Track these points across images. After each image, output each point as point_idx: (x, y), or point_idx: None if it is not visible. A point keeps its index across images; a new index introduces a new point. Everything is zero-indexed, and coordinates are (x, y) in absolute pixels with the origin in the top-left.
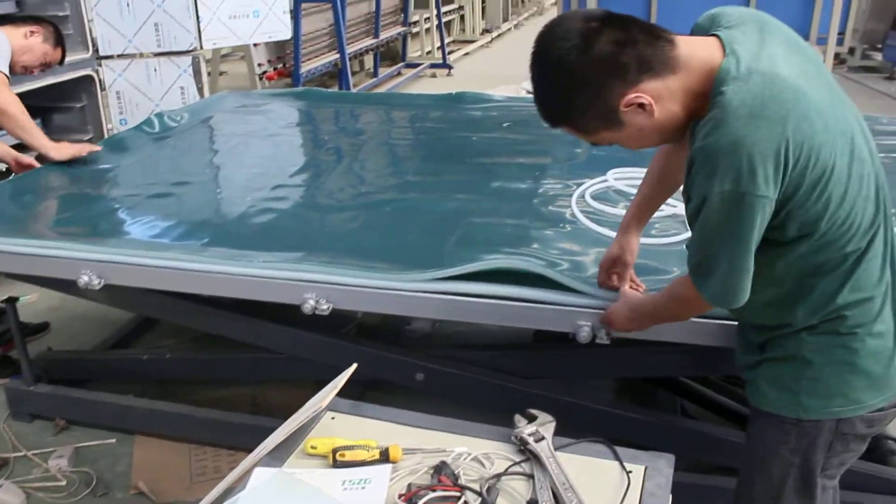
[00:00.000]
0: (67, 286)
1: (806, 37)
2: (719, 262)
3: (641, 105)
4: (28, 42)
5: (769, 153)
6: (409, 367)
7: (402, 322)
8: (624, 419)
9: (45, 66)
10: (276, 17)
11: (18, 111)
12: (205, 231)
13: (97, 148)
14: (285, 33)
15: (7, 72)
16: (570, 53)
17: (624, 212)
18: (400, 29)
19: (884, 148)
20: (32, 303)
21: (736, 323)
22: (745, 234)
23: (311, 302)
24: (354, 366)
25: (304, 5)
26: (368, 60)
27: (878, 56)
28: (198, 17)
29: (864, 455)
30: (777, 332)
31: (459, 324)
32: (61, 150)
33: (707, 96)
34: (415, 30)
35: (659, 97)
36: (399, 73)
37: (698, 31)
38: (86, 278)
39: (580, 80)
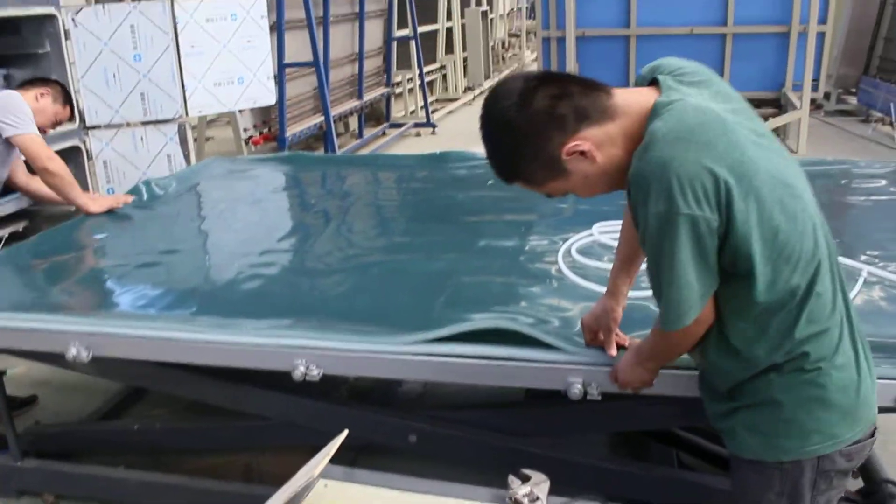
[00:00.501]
0: (55, 359)
1: (781, 84)
2: (664, 284)
3: (582, 152)
4: (39, 104)
5: (697, 173)
6: (402, 429)
7: (394, 383)
8: (619, 473)
9: (56, 125)
10: (261, 82)
11: (66, 172)
12: (193, 299)
13: (130, 198)
14: (270, 99)
15: (37, 132)
16: (510, 111)
17: (610, 265)
18: (383, 90)
19: (863, 191)
20: (21, 375)
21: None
22: (682, 252)
23: (302, 368)
24: (345, 432)
25: (287, 70)
26: (353, 122)
27: (853, 100)
28: (183, 86)
29: (863, 499)
30: (744, 376)
31: (451, 383)
32: (99, 204)
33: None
34: (398, 90)
35: (599, 143)
36: (384, 134)
37: (640, 81)
38: (74, 351)
39: (522, 134)
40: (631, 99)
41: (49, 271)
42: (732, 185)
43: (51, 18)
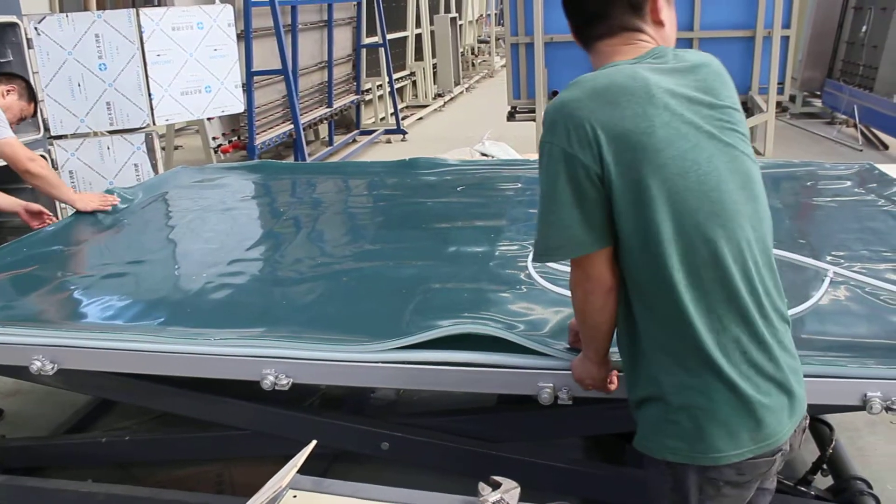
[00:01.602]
0: (19, 372)
1: (748, 87)
2: (540, 217)
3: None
4: (6, 101)
5: (582, 121)
6: (374, 436)
7: (366, 391)
8: (593, 476)
9: (21, 121)
10: (228, 91)
11: (49, 170)
12: (160, 310)
13: (117, 200)
14: (238, 107)
15: (13, 134)
16: None
17: None
18: (353, 97)
19: (829, 192)
20: None
21: None
22: (556, 186)
23: (271, 378)
24: (314, 443)
25: (256, 78)
26: (323, 129)
27: (818, 102)
28: (150, 95)
29: (833, 496)
30: (638, 362)
31: (424, 389)
32: (86, 202)
33: None
34: (368, 97)
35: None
36: (354, 141)
37: None
38: (38, 364)
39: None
40: (635, 47)
41: (13, 283)
42: (613, 151)
43: (12, 27)
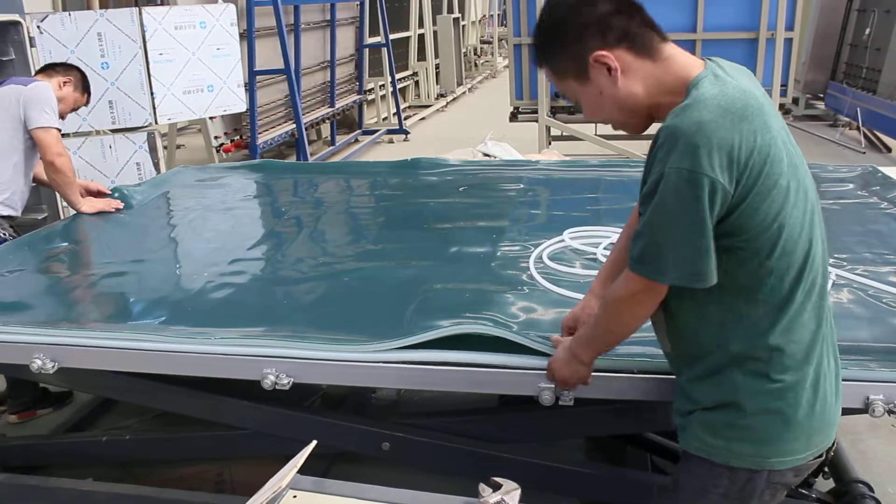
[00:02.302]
0: (20, 370)
1: None
2: (674, 241)
3: (609, 68)
4: (62, 92)
5: (727, 143)
6: (375, 437)
7: (368, 391)
8: (594, 478)
9: (74, 110)
10: (231, 90)
11: (70, 171)
12: (162, 309)
13: (121, 204)
14: (240, 106)
15: (59, 125)
16: (573, 3)
17: (581, 271)
18: (355, 97)
19: (832, 195)
20: None
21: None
22: (698, 213)
23: (272, 377)
24: (314, 443)
25: (258, 77)
26: (325, 129)
27: (821, 105)
28: (152, 94)
29: (834, 499)
30: (708, 367)
31: (425, 390)
32: (91, 205)
33: (675, 96)
34: (370, 97)
35: (627, 69)
36: (356, 141)
37: None
38: (39, 362)
39: (571, 24)
40: (678, 56)
41: (14, 281)
42: (755, 162)
43: (15, 25)
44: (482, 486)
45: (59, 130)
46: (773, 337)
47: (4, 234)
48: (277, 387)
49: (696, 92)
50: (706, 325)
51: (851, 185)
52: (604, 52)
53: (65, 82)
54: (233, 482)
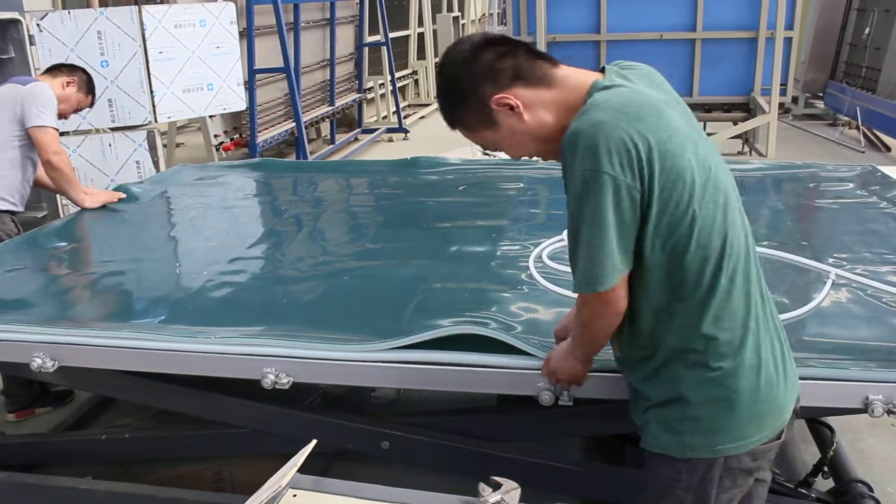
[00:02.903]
0: (20, 369)
1: (750, 88)
2: (582, 245)
3: (511, 107)
4: (65, 92)
5: (624, 140)
6: (374, 436)
7: (367, 390)
8: (593, 476)
9: (76, 111)
10: (231, 89)
11: (68, 168)
12: (162, 308)
13: (122, 195)
14: (240, 104)
15: (56, 125)
16: (458, 58)
17: None
18: (355, 95)
19: (831, 194)
20: None
21: None
22: (603, 213)
23: (271, 377)
24: (314, 442)
25: (258, 76)
26: (325, 128)
27: (820, 104)
28: (152, 92)
29: (834, 498)
30: (652, 366)
31: (425, 391)
32: (94, 199)
33: (579, 110)
34: (370, 96)
35: (529, 104)
36: (356, 139)
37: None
38: (39, 361)
39: (463, 80)
40: (574, 75)
41: (14, 279)
42: (655, 159)
43: (15, 23)
44: (482, 486)
45: (57, 130)
46: (705, 326)
47: (2, 233)
48: (277, 386)
49: (590, 99)
50: (642, 325)
51: (851, 185)
52: (500, 94)
53: (68, 82)
54: (232, 481)
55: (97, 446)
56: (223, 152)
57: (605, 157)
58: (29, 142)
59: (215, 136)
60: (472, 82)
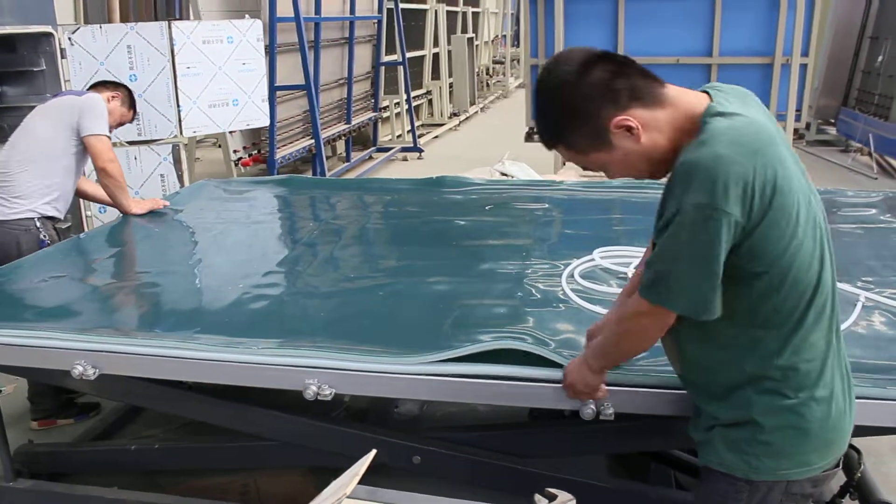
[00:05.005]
0: (59, 377)
1: None
2: (685, 273)
3: (629, 129)
4: (110, 106)
5: (741, 177)
6: (406, 450)
7: (390, 405)
8: (619, 493)
9: (119, 125)
10: (255, 105)
11: (121, 175)
12: (199, 319)
13: (167, 203)
14: (264, 120)
15: (109, 134)
16: (570, 75)
17: (613, 290)
18: (371, 114)
19: (855, 219)
20: (9, 394)
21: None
22: (712, 247)
23: (314, 387)
24: (373, 452)
25: (278, 93)
26: (340, 146)
27: (833, 130)
28: (178, 107)
29: None
30: (724, 387)
31: (448, 405)
32: (141, 206)
33: (691, 134)
34: (385, 115)
35: (646, 125)
36: (371, 158)
37: None
38: (80, 368)
39: (577, 99)
40: (682, 96)
41: (55, 287)
42: (768, 195)
43: (47, 37)
44: (538, 497)
45: (110, 139)
46: (787, 358)
47: (45, 237)
48: (319, 397)
49: (709, 127)
50: (719, 351)
51: (874, 210)
52: (621, 117)
53: (113, 97)
54: (258, 493)
55: (126, 456)
56: (241, 168)
57: (722, 194)
58: (81, 151)
59: (234, 151)
60: (589, 103)
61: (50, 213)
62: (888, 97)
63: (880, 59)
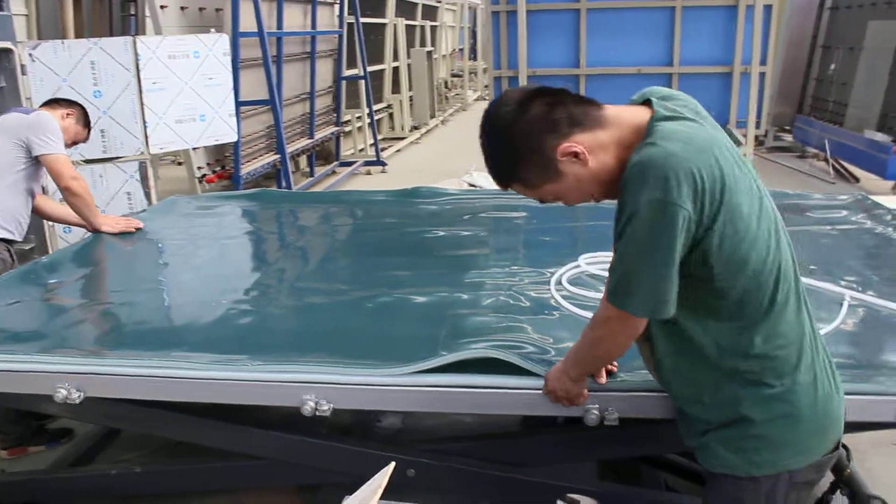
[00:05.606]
0: (36, 402)
1: (725, 121)
2: (644, 274)
3: (576, 154)
4: (64, 123)
5: (691, 173)
6: (400, 463)
7: (373, 419)
8: (614, 499)
9: (74, 144)
10: (223, 120)
11: (87, 192)
12: (183, 338)
13: (140, 224)
14: (231, 136)
15: (66, 152)
16: (510, 115)
17: (600, 295)
18: (333, 128)
19: (828, 221)
20: None
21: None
22: (668, 243)
23: (311, 403)
24: (392, 465)
25: (242, 108)
26: (302, 161)
27: (789, 137)
28: (144, 123)
29: None
30: (706, 389)
31: (429, 417)
32: (112, 225)
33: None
34: (347, 129)
35: (591, 148)
36: (334, 172)
37: (630, 105)
38: (63, 392)
39: (519, 136)
40: (623, 113)
41: (23, 311)
42: (718, 191)
43: (7, 53)
44: (559, 503)
45: (68, 157)
46: (762, 348)
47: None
48: (318, 413)
49: (657, 128)
50: (694, 352)
51: (846, 212)
52: (566, 144)
53: (67, 114)
54: None
55: (106, 481)
56: (206, 184)
57: (675, 189)
58: (31, 171)
59: (198, 168)
60: (530, 137)
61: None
62: (842, 104)
63: (833, 67)
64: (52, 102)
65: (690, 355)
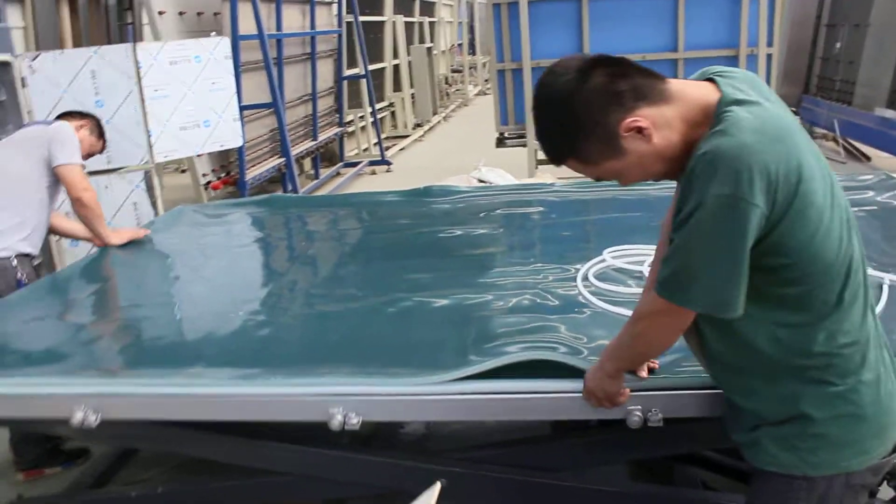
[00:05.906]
0: (51, 425)
1: None
2: (707, 269)
3: (640, 130)
4: (79, 135)
5: (765, 166)
6: (430, 474)
7: (396, 427)
8: (649, 499)
9: (89, 156)
10: (227, 125)
11: (96, 205)
12: (200, 353)
13: (147, 231)
14: (237, 141)
15: (82, 163)
16: (569, 85)
17: (632, 290)
18: (336, 129)
19: (855, 203)
20: None
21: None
22: (737, 241)
23: (339, 417)
24: (439, 484)
25: (245, 112)
26: (306, 163)
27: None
28: (148, 131)
29: None
30: (763, 383)
31: (455, 423)
32: (120, 236)
33: (704, 126)
34: (350, 129)
35: (656, 123)
36: (339, 174)
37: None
38: (80, 415)
39: (581, 108)
40: (688, 88)
41: (38, 328)
42: (793, 183)
43: (5, 66)
44: None
45: (84, 168)
46: (827, 345)
47: (23, 276)
48: (346, 426)
49: (729, 116)
50: (750, 347)
51: (871, 192)
52: (630, 118)
53: (81, 125)
54: None
55: None
56: (211, 191)
57: (747, 185)
58: (54, 183)
59: (203, 175)
60: (592, 110)
61: (26, 251)
62: (850, 82)
63: (838, 45)
64: (65, 115)
65: (746, 349)
